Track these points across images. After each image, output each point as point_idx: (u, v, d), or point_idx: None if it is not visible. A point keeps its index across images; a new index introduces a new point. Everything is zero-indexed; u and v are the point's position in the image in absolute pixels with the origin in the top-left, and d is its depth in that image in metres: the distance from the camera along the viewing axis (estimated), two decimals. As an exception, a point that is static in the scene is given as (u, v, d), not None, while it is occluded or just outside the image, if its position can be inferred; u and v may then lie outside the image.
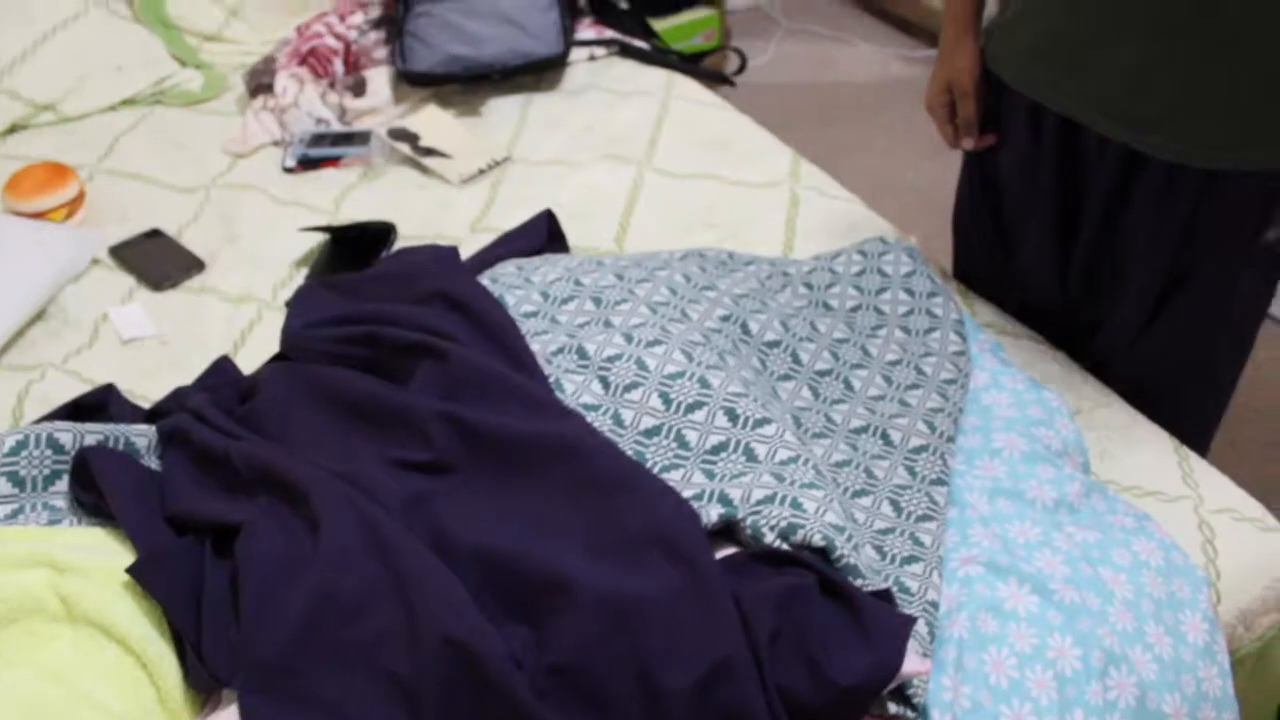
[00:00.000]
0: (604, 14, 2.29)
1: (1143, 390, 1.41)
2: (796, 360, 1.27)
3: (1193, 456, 1.35)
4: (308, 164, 1.93)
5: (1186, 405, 1.45)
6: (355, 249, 1.68)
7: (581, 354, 1.17)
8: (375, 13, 2.25)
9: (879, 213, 1.73)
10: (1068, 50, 1.27)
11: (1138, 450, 1.35)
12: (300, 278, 1.65)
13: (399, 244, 1.71)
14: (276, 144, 2.01)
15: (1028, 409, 1.32)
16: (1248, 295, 1.36)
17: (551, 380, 1.14)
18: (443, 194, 1.83)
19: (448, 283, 1.24)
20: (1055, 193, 1.37)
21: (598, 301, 1.26)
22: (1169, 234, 1.28)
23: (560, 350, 1.18)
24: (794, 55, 3.50)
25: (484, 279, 1.32)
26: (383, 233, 1.70)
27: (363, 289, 1.32)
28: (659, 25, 3.09)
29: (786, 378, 1.25)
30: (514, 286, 1.29)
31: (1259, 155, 1.19)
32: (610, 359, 1.16)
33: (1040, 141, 1.36)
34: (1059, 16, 1.28)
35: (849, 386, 1.26)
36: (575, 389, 1.14)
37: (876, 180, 2.89)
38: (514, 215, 1.70)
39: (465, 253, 1.61)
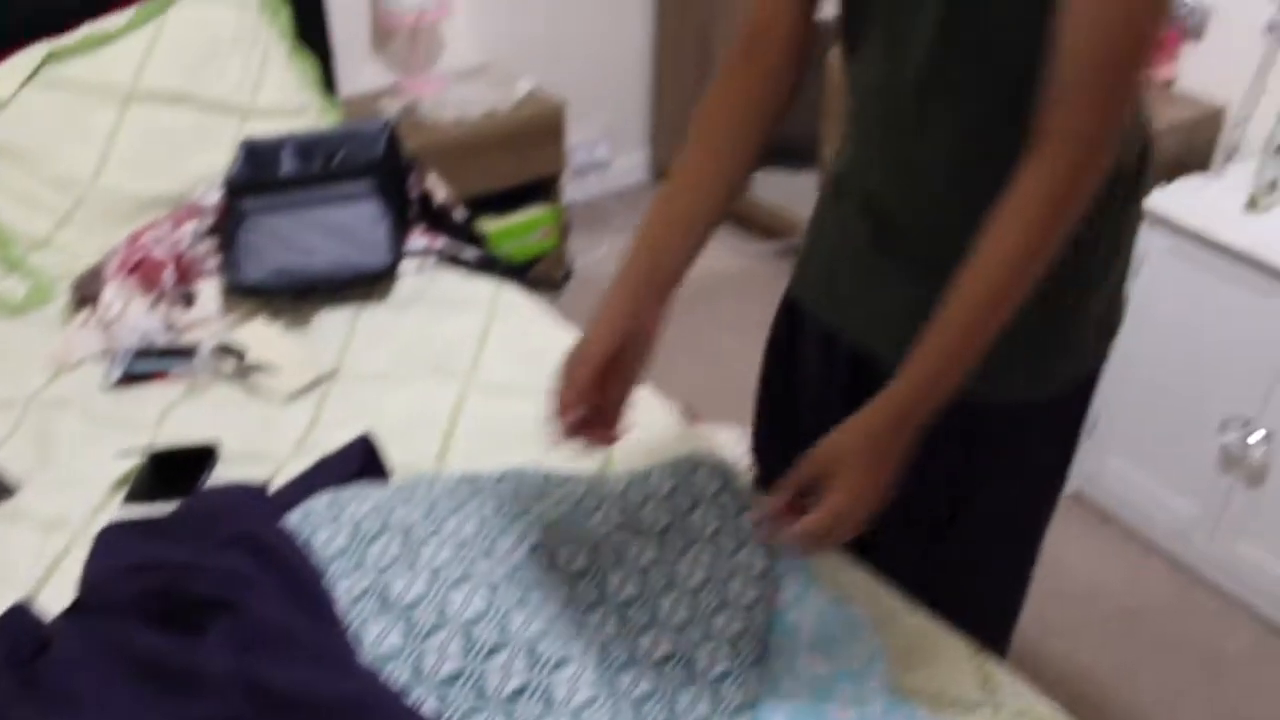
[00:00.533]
0: (434, 222, 2.36)
1: (941, 596, 1.48)
2: (604, 588, 1.30)
3: (991, 661, 1.41)
4: (132, 378, 1.92)
5: (983, 608, 1.52)
6: (175, 470, 1.67)
7: (384, 598, 1.18)
8: (209, 221, 2.28)
9: (711, 410, 1.79)
10: (849, 285, 1.37)
11: (938, 658, 1.41)
12: (118, 502, 1.63)
13: (222, 463, 1.70)
14: (103, 354, 1.99)
15: (830, 626, 1.37)
16: (1029, 506, 1.45)
17: (352, 629, 1.15)
18: (268, 411, 1.83)
19: (251, 526, 1.24)
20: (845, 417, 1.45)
21: (406, 536, 1.27)
22: (947, 457, 1.36)
23: (364, 594, 1.19)
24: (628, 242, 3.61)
25: (296, 514, 1.33)
26: (204, 454, 1.69)
27: (167, 531, 1.32)
28: (497, 224, 3.19)
29: (594, 607, 1.27)
30: (324, 523, 1.30)
31: (1016, 386, 1.29)
32: (412, 603, 1.17)
33: (832, 368, 1.44)
34: (839, 257, 1.38)
35: (656, 613, 1.30)
36: (375, 637, 1.14)
37: (708, 376, 2.98)
38: (338, 433, 1.71)
39: (288, 473, 1.61)
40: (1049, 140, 1.04)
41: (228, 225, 2.17)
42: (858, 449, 1.17)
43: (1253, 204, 2.29)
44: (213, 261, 2.21)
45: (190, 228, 2.26)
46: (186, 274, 2.18)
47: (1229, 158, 2.59)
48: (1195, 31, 2.63)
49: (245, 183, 2.20)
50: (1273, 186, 2.28)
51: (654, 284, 1.30)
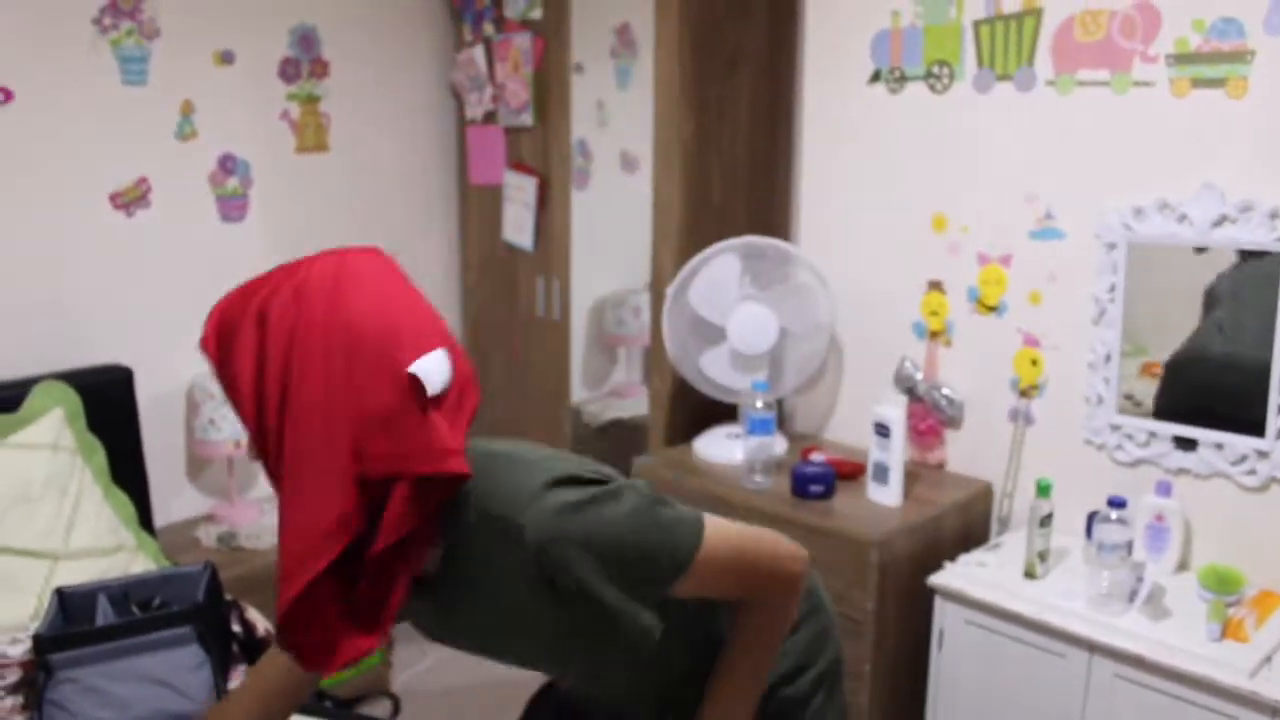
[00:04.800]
0: (257, 656, 2.33)
1: None
2: None
3: None
4: None
5: None
6: None
7: None
8: (13, 676, 2.19)
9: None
10: None
11: None
12: None
13: None
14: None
15: None
16: None
17: None
18: None
19: None
20: None
21: None
22: None
23: None
24: (454, 653, 3.56)
25: None
26: None
27: None
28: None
29: None
30: None
31: None
32: None
33: None
34: None
35: None
36: None
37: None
38: None
39: None
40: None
41: (37, 681, 2.10)
42: None
43: (1029, 573, 2.51)
44: (17, 722, 2.11)
45: (-7, 690, 2.17)
46: (-11, 736, 2.07)
47: (1004, 528, 2.85)
48: (954, 421, 2.95)
49: (53, 636, 2.15)
50: (1043, 556, 2.51)
51: None
